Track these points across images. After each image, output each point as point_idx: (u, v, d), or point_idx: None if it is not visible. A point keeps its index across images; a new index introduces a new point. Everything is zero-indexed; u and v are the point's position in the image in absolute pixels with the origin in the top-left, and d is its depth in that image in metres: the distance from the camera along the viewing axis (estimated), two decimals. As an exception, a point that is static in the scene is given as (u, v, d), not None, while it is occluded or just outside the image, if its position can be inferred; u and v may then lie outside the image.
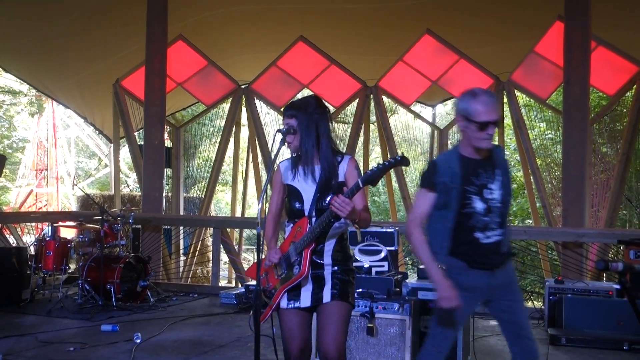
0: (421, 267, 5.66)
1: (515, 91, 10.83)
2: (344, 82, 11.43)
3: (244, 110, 12.17)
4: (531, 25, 11.20)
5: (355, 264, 5.70)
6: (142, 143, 10.83)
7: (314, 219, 3.32)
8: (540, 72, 10.60)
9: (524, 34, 11.34)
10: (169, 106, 11.02)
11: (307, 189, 3.41)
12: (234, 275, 11.56)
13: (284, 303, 3.43)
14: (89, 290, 7.82)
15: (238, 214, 13.25)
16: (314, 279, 3.35)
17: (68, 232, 9.59)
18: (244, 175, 13.73)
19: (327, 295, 3.32)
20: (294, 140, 3.43)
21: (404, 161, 2.99)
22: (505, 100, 10.98)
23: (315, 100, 3.51)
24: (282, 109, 12.22)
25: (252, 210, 19.17)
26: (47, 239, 8.35)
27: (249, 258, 15.52)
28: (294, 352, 3.40)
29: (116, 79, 11.92)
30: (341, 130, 12.53)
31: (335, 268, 3.36)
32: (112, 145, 15.88)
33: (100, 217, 8.19)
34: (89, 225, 8.69)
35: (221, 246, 9.70)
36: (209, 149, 12.92)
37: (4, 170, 17.47)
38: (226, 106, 12.28)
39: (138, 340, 6.00)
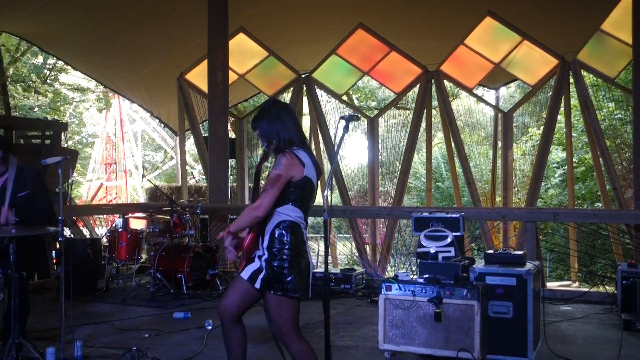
0: (488, 251, 5.60)
1: (582, 71, 10.55)
2: (404, 67, 11.35)
3: (305, 99, 12.24)
4: (597, 2, 10.85)
5: (421, 249, 5.70)
6: (207, 135, 11.03)
7: None
8: (607, 51, 10.28)
9: (589, 12, 11.00)
10: (231, 98, 11.19)
11: None
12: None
13: None
14: (160, 279, 8.05)
15: (302, 202, 13.34)
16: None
17: (138, 223, 9.88)
18: (306, 164, 13.78)
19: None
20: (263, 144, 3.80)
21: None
22: (571, 80, 10.70)
23: (270, 104, 3.87)
24: (343, 97, 12.26)
25: (316, 199, 19.16)
26: (119, 230, 8.63)
27: (313, 246, 15.63)
28: None
29: (180, 73, 12.17)
30: (402, 116, 12.46)
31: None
32: (177, 137, 16.26)
33: (169, 208, 8.40)
34: (158, 216, 8.92)
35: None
36: (271, 139, 13.02)
37: (76, 165, 18.08)
38: (287, 96, 12.37)
39: (209, 327, 6.15)
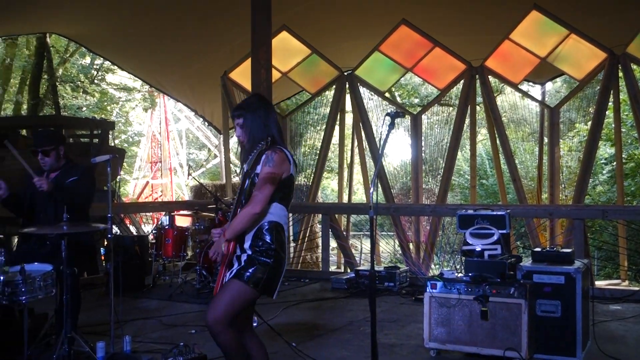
0: (536, 249, 5.51)
1: (632, 64, 10.30)
2: (448, 63, 11.25)
3: (347, 96, 12.23)
4: (648, -6, 10.60)
5: (466, 247, 5.63)
6: (251, 133, 11.08)
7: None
8: (659, 43, 10.03)
9: (639, 3, 10.75)
10: (274, 96, 11.25)
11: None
12: (342, 261, 11.69)
13: None
14: (206, 275, 8.12)
15: (345, 200, 13.36)
16: None
17: (183, 221, 10.01)
18: (349, 162, 13.81)
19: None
20: (242, 136, 3.65)
21: None
22: (620, 74, 10.46)
23: (257, 99, 3.81)
24: (385, 94, 12.20)
25: (359, 196, 19.24)
26: (166, 227, 8.75)
27: (356, 244, 15.63)
28: None
29: (224, 72, 12.28)
30: (446, 113, 12.35)
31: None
32: (221, 136, 16.42)
33: (214, 206, 8.49)
34: (203, 213, 9.02)
35: (330, 232, 9.82)
36: (314, 137, 13.07)
37: (123, 163, 18.41)
38: (330, 93, 12.38)
39: (255, 324, 6.17)
